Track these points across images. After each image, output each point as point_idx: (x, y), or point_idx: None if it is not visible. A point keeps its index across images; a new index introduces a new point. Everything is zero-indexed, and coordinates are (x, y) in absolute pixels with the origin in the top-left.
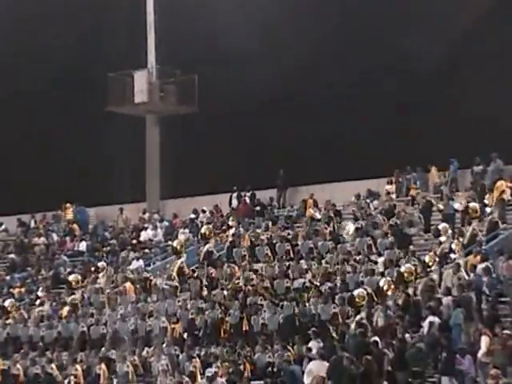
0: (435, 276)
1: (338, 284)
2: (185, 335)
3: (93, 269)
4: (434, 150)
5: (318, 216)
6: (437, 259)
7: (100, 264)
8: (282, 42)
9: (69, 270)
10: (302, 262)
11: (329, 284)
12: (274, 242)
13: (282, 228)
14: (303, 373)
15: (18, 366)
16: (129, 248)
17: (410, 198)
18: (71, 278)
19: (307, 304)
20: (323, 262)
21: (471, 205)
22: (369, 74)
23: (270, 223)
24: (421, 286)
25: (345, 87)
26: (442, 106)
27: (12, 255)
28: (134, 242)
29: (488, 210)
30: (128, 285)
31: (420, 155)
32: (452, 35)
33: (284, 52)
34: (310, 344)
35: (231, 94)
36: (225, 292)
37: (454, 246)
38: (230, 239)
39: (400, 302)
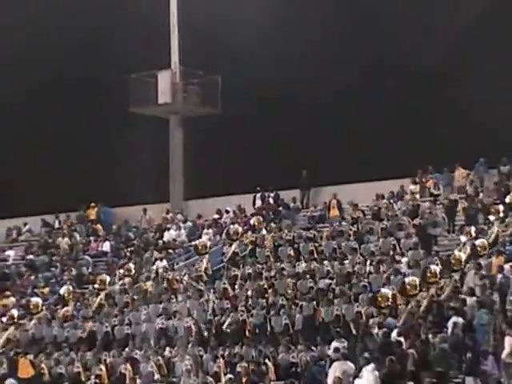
0: (456, 276)
1: (362, 284)
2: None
3: (117, 269)
4: (459, 149)
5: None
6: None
7: (126, 265)
8: (307, 43)
9: (92, 269)
10: (326, 262)
11: (352, 284)
12: (298, 242)
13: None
14: (326, 373)
15: (43, 365)
16: (152, 248)
17: (432, 198)
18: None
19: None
20: (346, 262)
21: (495, 206)
22: (393, 73)
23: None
24: (449, 288)
25: (368, 87)
26: (466, 104)
27: (36, 256)
28: (158, 242)
29: None
30: (150, 284)
31: (445, 155)
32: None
33: (309, 52)
34: (333, 344)
35: (254, 94)
36: (249, 292)
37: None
38: (253, 240)
39: (424, 302)
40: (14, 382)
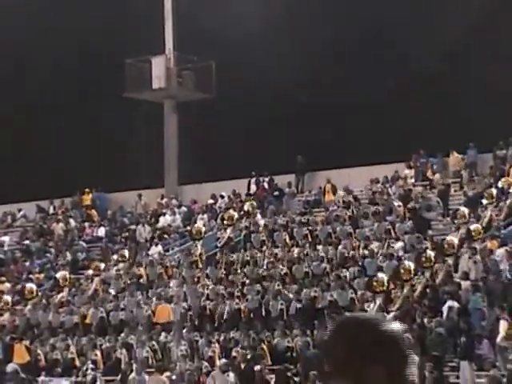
0: (450, 261)
1: (356, 269)
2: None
3: (112, 255)
4: (453, 134)
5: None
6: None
7: (120, 250)
8: (302, 27)
9: (86, 255)
10: (320, 247)
11: (347, 269)
12: (292, 227)
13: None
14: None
15: (39, 351)
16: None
17: (427, 182)
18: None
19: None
20: (340, 247)
21: (488, 191)
22: (386, 57)
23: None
24: (442, 272)
25: (359, 70)
26: (462, 87)
27: (31, 241)
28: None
29: None
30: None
31: (439, 139)
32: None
33: (302, 37)
34: None
35: (249, 79)
36: (245, 278)
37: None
38: (248, 225)
39: (419, 287)
40: (15, 367)
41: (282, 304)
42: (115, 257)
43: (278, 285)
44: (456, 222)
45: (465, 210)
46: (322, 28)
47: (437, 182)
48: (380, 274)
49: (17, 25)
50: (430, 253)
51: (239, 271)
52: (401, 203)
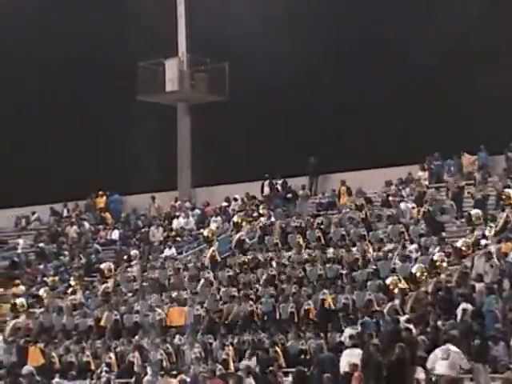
0: (468, 263)
1: (371, 271)
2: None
3: (125, 257)
4: (464, 136)
5: None
6: (470, 245)
7: (132, 252)
8: (317, 29)
9: (100, 258)
10: (331, 249)
11: (362, 271)
12: (306, 229)
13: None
14: (338, 361)
15: (53, 354)
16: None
17: (442, 184)
18: (103, 266)
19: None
20: (354, 249)
21: (506, 191)
22: (400, 59)
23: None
24: (456, 274)
25: (374, 75)
26: (473, 90)
27: (45, 244)
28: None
29: None
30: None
31: (451, 141)
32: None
33: (320, 38)
34: (347, 331)
35: (262, 81)
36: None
37: (487, 233)
38: (262, 227)
39: (430, 289)
40: (31, 369)
41: (292, 307)
42: (129, 259)
43: (295, 288)
44: (471, 224)
45: (479, 212)
46: (344, 28)
47: (451, 184)
48: (394, 277)
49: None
50: (443, 255)
51: (252, 273)
52: (415, 205)
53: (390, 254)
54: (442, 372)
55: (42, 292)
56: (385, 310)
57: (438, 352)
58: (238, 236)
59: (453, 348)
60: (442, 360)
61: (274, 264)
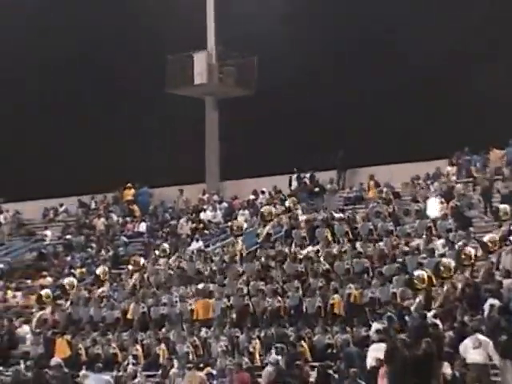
0: (494, 259)
1: (398, 265)
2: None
3: (153, 250)
4: (493, 130)
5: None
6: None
7: (162, 245)
8: (344, 22)
9: (128, 250)
10: (358, 243)
11: (389, 266)
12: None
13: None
14: (364, 355)
15: (80, 345)
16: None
17: (471, 179)
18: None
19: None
20: (381, 243)
21: None
22: (427, 53)
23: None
24: (483, 270)
25: (402, 69)
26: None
27: (73, 236)
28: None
29: None
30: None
31: (479, 136)
32: None
33: (341, 35)
34: (374, 325)
35: (290, 75)
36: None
37: None
38: (289, 221)
39: (460, 285)
40: (59, 361)
41: (319, 301)
42: (156, 252)
43: (321, 281)
44: (498, 219)
45: (507, 207)
46: (367, 23)
47: (480, 179)
48: (420, 271)
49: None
50: (471, 250)
51: (278, 268)
52: (443, 200)
53: (416, 250)
54: (476, 361)
55: (66, 282)
56: (412, 306)
57: (467, 342)
58: (265, 230)
59: (481, 337)
60: (473, 349)
61: (300, 258)
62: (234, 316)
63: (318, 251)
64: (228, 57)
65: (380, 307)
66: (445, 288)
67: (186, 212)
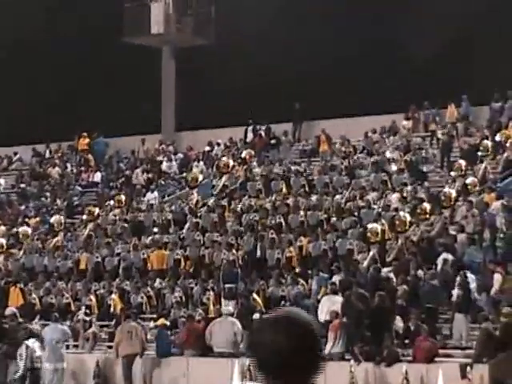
0: (446, 213)
1: (353, 219)
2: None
3: (108, 200)
4: (450, 85)
5: None
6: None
7: (116, 196)
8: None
9: (83, 200)
10: (314, 196)
11: (344, 219)
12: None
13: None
14: (316, 307)
15: (34, 295)
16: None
17: (428, 133)
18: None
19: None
20: (337, 196)
21: (484, 143)
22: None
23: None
24: (439, 224)
25: (361, 20)
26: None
27: (27, 185)
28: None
29: None
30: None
31: (436, 91)
32: None
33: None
34: (334, 279)
35: (249, 26)
36: (239, 227)
37: (468, 182)
38: (244, 173)
39: (414, 238)
40: (14, 311)
41: (278, 253)
42: (111, 202)
43: (272, 233)
44: (453, 174)
45: (462, 162)
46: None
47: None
48: (374, 225)
49: None
50: (426, 205)
51: (234, 219)
52: (400, 154)
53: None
54: None
55: (20, 232)
56: (366, 260)
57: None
58: (222, 181)
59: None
60: None
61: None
62: (189, 267)
63: (273, 203)
64: (186, 6)
65: (334, 260)
66: (399, 242)
67: (146, 162)
